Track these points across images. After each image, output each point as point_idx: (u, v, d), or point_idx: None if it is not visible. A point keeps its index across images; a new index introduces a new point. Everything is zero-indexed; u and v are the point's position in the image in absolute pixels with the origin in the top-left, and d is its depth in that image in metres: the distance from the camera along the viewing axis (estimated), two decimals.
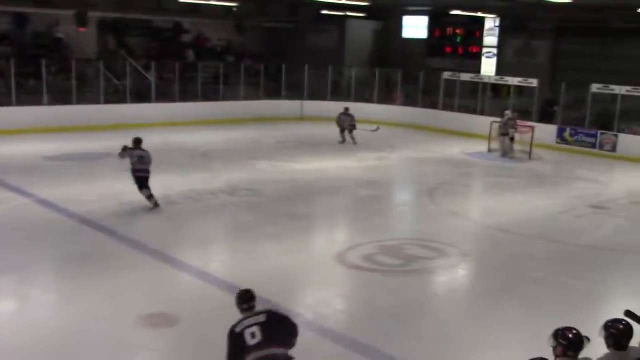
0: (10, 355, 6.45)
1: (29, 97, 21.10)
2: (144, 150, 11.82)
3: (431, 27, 28.52)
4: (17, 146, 17.32)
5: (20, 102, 20.76)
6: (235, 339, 4.80)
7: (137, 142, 11.89)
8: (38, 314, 7.59)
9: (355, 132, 20.08)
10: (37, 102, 21.08)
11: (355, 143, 19.90)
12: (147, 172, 11.82)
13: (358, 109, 21.97)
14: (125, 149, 11.75)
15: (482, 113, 23.05)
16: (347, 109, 20.48)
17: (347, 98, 25.61)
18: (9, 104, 20.53)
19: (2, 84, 20.94)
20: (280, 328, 4.95)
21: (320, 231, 11.91)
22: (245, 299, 5.07)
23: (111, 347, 6.66)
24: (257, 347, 4.73)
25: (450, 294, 9.07)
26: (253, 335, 4.75)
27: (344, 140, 20.13)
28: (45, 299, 8.12)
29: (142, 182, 11.78)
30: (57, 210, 11.67)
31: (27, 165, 15.32)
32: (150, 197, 11.85)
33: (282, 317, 5.08)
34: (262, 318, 4.89)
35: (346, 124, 20.16)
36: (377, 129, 20.39)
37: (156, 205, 11.89)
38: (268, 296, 8.02)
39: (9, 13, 23.48)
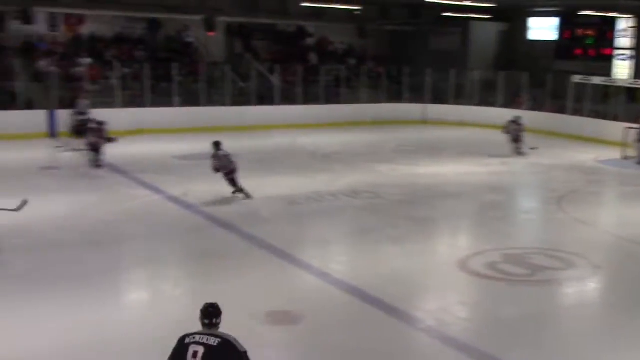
0: (141, 346, 6.74)
1: (161, 98, 22.20)
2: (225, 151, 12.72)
3: (560, 29, 27.40)
4: (151, 145, 18.26)
5: (154, 104, 21.90)
6: (180, 347, 4.67)
7: (218, 144, 12.66)
8: (168, 307, 7.88)
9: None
10: (168, 104, 22.13)
11: (521, 154, 18.70)
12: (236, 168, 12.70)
13: (481, 112, 21.48)
14: (217, 169, 12.63)
15: (615, 118, 21.85)
16: (518, 118, 19.23)
17: (470, 101, 25.12)
18: (143, 105, 21.71)
19: (138, 86, 22.13)
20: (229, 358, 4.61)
21: (441, 236, 11.72)
22: (207, 313, 4.79)
23: None
24: None
25: (579, 308, 8.63)
26: (195, 355, 4.56)
27: (517, 150, 18.87)
28: (176, 292, 8.47)
29: (236, 177, 12.64)
30: (186, 207, 12.17)
31: (160, 163, 16.08)
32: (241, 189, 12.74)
33: (235, 353, 4.64)
34: (213, 342, 4.60)
35: (515, 133, 18.89)
36: (536, 148, 19.27)
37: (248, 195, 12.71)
38: (386, 298, 8.01)
39: (144, 19, 24.79)
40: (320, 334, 7.08)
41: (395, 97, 26.14)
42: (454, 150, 19.47)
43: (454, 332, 7.39)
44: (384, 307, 7.87)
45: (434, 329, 7.43)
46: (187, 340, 4.67)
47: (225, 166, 12.56)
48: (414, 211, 12.59)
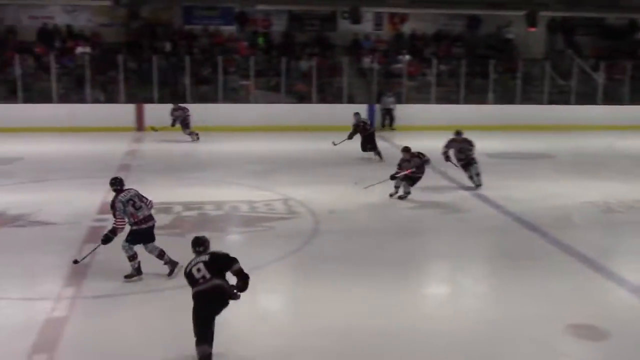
0: (430, 339, 6.79)
1: (474, 95, 22.27)
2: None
3: None
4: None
5: (467, 100, 22.05)
6: (187, 277, 6.08)
7: (459, 132, 13.17)
8: (467, 303, 7.85)
9: None
10: (482, 101, 22.08)
11: None
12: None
13: None
14: (447, 157, 13.16)
15: None
16: None
17: None
18: (457, 102, 22.02)
19: (453, 82, 22.46)
20: (220, 262, 6.00)
21: None
22: (197, 243, 6.27)
23: (534, 350, 6.55)
24: (202, 279, 5.93)
25: None
26: (198, 270, 5.98)
27: None
28: (475, 290, 8.39)
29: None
30: (494, 205, 12.00)
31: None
32: None
33: (221, 255, 6.10)
34: (205, 258, 6.05)
35: None
36: None
37: None
38: None
39: (464, 16, 25.05)
40: (628, 356, 6.46)
41: None
42: None
43: None
44: None
45: None
46: (187, 270, 6.10)
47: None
48: None
